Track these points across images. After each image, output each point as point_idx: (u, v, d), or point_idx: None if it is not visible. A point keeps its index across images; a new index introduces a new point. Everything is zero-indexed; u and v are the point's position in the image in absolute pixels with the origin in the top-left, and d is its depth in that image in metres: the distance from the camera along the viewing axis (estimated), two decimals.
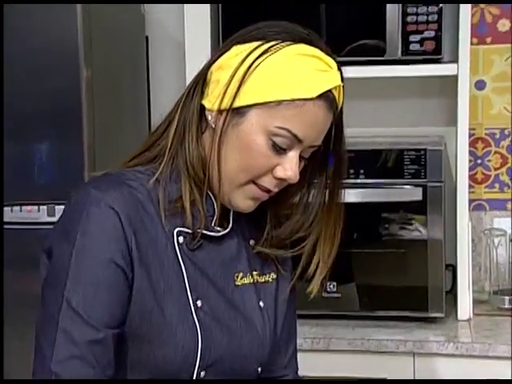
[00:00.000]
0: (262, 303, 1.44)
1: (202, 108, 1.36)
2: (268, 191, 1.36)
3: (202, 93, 1.37)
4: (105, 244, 1.27)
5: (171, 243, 1.34)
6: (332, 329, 2.46)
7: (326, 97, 1.32)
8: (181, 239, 1.34)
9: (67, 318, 1.25)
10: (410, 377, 2.37)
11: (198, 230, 1.35)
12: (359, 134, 2.54)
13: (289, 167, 1.34)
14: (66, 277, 1.26)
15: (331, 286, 2.50)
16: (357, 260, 2.55)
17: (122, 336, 1.30)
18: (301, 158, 1.36)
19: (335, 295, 2.50)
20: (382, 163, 2.49)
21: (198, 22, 2.59)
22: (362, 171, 2.49)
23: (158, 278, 1.31)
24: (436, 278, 2.48)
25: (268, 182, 1.35)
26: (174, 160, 1.36)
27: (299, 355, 2.34)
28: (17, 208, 2.33)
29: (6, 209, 2.35)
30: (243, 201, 1.36)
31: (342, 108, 1.37)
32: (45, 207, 2.30)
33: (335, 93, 1.33)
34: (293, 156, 1.34)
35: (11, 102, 2.34)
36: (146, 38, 2.87)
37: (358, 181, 2.48)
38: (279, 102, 1.30)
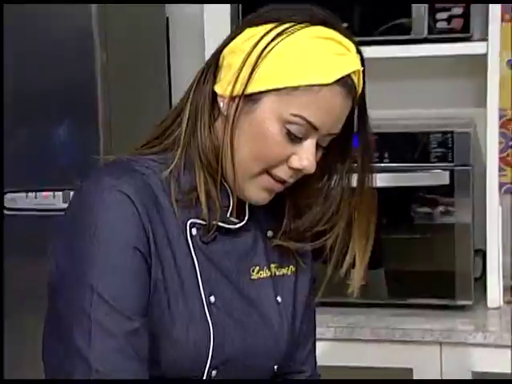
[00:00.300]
0: (279, 298, 1.39)
1: (215, 94, 1.30)
2: (283, 182, 1.30)
3: (215, 78, 1.31)
4: (126, 231, 1.23)
5: (184, 236, 1.28)
6: (355, 317, 2.39)
7: (344, 82, 1.25)
8: (194, 231, 1.29)
9: (101, 311, 1.20)
10: (437, 367, 2.30)
11: (213, 222, 1.29)
12: (384, 116, 2.47)
13: (305, 157, 1.27)
14: (91, 268, 1.21)
15: None
16: (382, 246, 2.48)
17: None
18: (318, 146, 1.30)
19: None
20: (407, 146, 2.42)
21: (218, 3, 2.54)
22: (386, 155, 2.41)
23: (171, 271, 1.27)
24: (464, 264, 2.41)
25: (283, 172, 1.29)
26: (187, 150, 1.31)
27: (321, 344, 2.29)
28: (32, 194, 2.30)
29: (21, 195, 2.31)
30: (257, 192, 1.31)
31: (363, 92, 1.30)
32: (60, 193, 2.26)
33: (354, 78, 1.27)
34: (309, 145, 1.28)
35: (24, 88, 2.30)
36: (167, 19, 2.80)
37: (383, 165, 2.41)
38: (294, 88, 1.24)
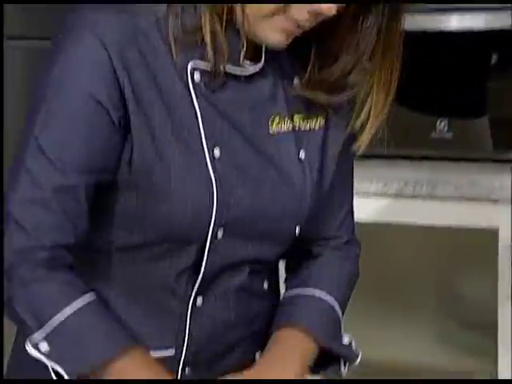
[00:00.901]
0: (302, 154, 1.23)
1: None
2: (299, 26, 1.13)
3: None
4: (90, 80, 1.11)
5: (184, 81, 1.14)
6: (438, 173, 2.22)
7: None
8: (197, 76, 1.15)
9: (33, 158, 1.11)
10: None
11: (221, 66, 1.14)
12: None
13: None
14: (38, 115, 1.11)
15: (442, 124, 2.24)
16: (486, 91, 2.27)
17: (108, 186, 1.14)
18: None
19: (446, 136, 2.24)
20: None
21: None
22: None
23: (162, 122, 1.13)
24: None
25: (298, 13, 1.12)
26: None
27: (399, 201, 2.14)
28: None
29: None
30: (272, 33, 1.14)
31: None
32: None
33: None
34: None
35: None
36: None
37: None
38: None
